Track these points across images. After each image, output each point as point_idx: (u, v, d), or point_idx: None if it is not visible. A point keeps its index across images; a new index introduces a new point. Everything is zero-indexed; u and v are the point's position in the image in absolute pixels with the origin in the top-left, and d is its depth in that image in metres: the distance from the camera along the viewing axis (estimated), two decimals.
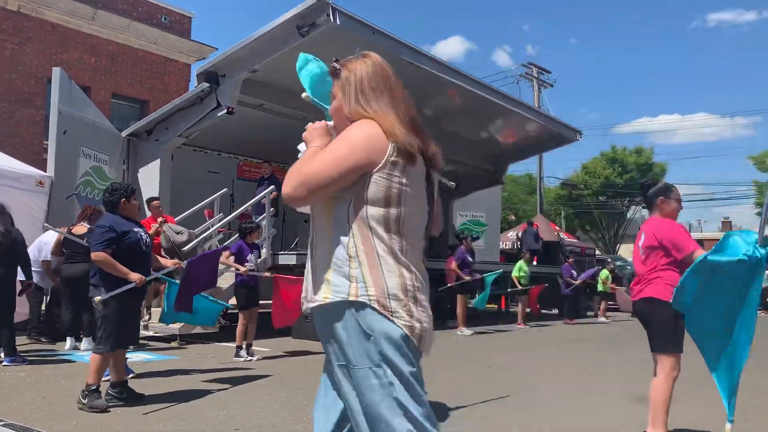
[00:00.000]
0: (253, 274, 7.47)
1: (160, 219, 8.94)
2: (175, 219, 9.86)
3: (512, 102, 13.57)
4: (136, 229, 5.01)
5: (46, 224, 7.63)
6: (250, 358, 7.24)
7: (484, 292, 11.49)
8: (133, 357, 6.39)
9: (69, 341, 7.72)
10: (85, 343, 7.61)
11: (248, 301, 7.46)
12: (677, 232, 3.82)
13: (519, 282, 13.15)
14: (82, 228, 7.43)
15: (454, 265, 11.30)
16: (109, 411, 4.56)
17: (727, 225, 49.53)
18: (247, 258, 7.44)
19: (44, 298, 8.34)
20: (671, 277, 3.77)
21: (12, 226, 6.58)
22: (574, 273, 14.58)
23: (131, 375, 5.89)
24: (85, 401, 4.59)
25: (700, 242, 3.98)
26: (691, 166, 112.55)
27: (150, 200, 9.44)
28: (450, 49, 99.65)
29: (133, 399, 4.90)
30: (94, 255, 4.77)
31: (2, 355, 6.46)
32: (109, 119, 12.10)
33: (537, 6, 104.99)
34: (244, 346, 7.32)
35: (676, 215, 4.03)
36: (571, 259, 15.32)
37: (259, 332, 9.71)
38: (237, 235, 8.19)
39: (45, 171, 9.44)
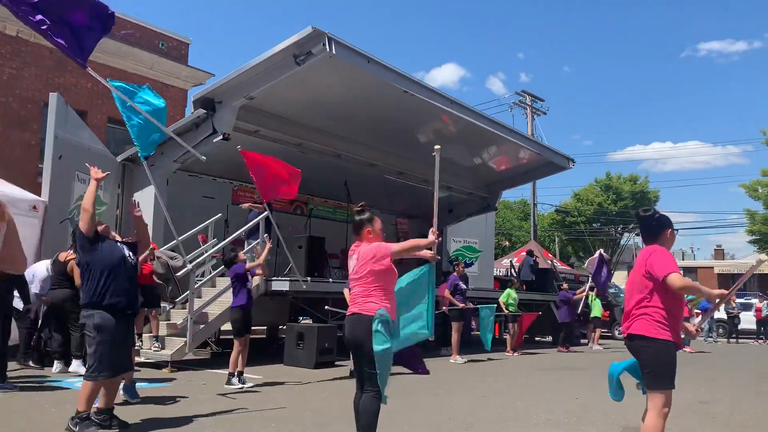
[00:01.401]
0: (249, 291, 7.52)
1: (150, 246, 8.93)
2: (169, 244, 9.86)
3: (505, 130, 13.72)
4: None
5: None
6: (241, 385, 7.20)
7: (487, 331, 11.29)
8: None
9: (57, 365, 7.74)
10: (74, 365, 7.61)
11: (244, 326, 7.43)
12: (660, 255, 3.72)
13: (507, 308, 13.03)
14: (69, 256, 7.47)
15: (446, 292, 11.28)
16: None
17: (719, 252, 49.70)
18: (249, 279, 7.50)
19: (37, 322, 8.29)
20: (658, 308, 3.72)
21: None
22: (572, 297, 14.64)
23: (137, 400, 5.90)
24: (76, 429, 4.55)
25: (693, 269, 3.98)
26: (684, 194, 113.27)
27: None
28: (444, 75, 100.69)
29: (119, 427, 4.86)
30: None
31: None
32: (105, 143, 12.15)
33: (531, 34, 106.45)
34: (236, 374, 7.28)
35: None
36: (565, 285, 15.35)
37: (251, 359, 9.67)
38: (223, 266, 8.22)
39: (39, 195, 9.46)
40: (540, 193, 43.57)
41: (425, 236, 4.49)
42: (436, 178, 4.59)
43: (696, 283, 3.84)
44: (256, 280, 8.53)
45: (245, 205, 11.39)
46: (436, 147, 4.52)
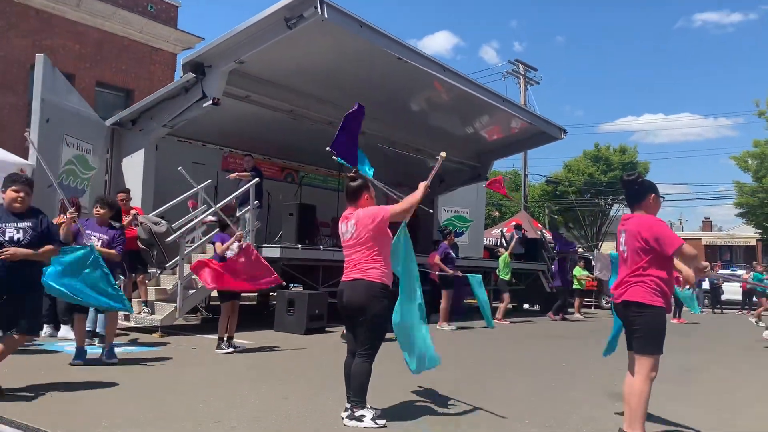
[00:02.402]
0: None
1: (132, 212, 8.87)
2: (159, 209, 9.81)
3: (498, 98, 13.62)
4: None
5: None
6: (231, 350, 7.24)
7: (487, 309, 10.95)
8: (115, 349, 6.35)
9: (46, 329, 7.82)
10: (63, 330, 7.69)
11: (230, 293, 7.45)
12: (665, 228, 3.81)
13: (501, 277, 13.22)
14: (60, 219, 7.38)
15: (437, 259, 11.34)
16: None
17: (707, 224, 50.16)
18: (230, 248, 7.45)
19: None
20: (655, 278, 3.79)
21: None
22: (567, 266, 14.78)
23: (114, 361, 5.93)
24: None
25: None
26: (673, 165, 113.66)
27: (117, 193, 9.21)
28: (437, 44, 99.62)
29: None
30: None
31: None
32: (94, 108, 11.96)
33: (524, 2, 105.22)
34: (225, 338, 7.31)
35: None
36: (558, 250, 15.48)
37: (242, 325, 9.71)
38: (217, 228, 8.15)
39: (27, 159, 9.34)
40: (531, 164, 43.62)
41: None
42: (432, 175, 4.66)
43: (697, 254, 3.94)
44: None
45: (232, 176, 11.31)
46: (442, 154, 4.60)
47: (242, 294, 8.36)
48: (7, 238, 4.72)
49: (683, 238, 3.84)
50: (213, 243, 7.68)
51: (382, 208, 4.34)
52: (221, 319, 7.38)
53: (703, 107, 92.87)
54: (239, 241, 7.46)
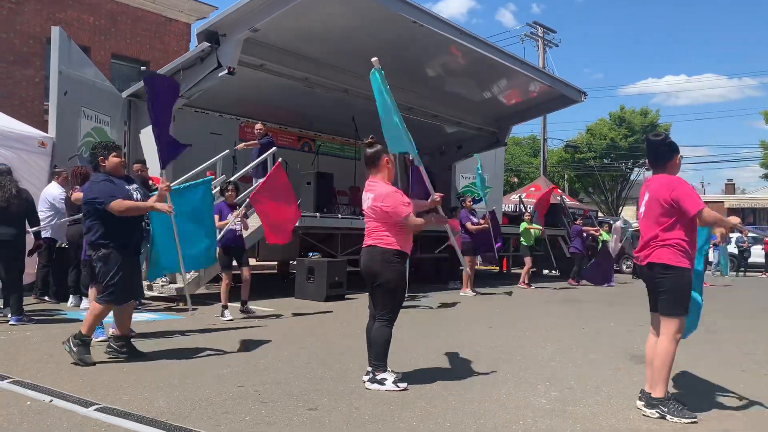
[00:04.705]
0: (234, 231, 7.58)
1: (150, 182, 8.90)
2: (177, 180, 9.85)
3: (516, 62, 13.39)
4: (127, 186, 5.02)
5: None
6: (231, 317, 7.28)
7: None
8: (138, 317, 6.46)
9: (72, 299, 7.94)
10: (84, 302, 7.73)
11: (227, 261, 7.55)
12: (687, 190, 3.74)
13: (523, 243, 13.25)
14: (80, 194, 7.45)
15: (469, 225, 11.38)
16: (95, 365, 4.70)
17: (730, 187, 49.38)
18: (227, 217, 7.54)
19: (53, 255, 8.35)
20: (680, 239, 3.75)
21: (22, 188, 6.64)
22: (584, 234, 14.66)
23: (132, 334, 5.98)
24: (75, 350, 4.70)
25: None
26: (695, 127, 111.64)
27: (134, 164, 9.25)
28: (452, 8, 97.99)
29: (133, 356, 5.00)
30: (113, 206, 4.72)
31: (9, 314, 6.55)
32: (110, 80, 11.99)
33: None
34: (228, 306, 7.41)
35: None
36: (579, 221, 15.32)
37: (263, 293, 9.83)
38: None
39: (46, 132, 9.41)
40: (549, 129, 43.07)
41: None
42: (427, 181, 4.73)
43: (721, 215, 3.87)
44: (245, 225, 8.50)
45: (240, 146, 11.25)
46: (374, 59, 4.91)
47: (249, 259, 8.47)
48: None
49: (706, 201, 3.78)
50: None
51: (398, 209, 4.26)
52: (223, 287, 7.47)
53: (727, 67, 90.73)
54: (238, 217, 7.58)
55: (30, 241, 6.95)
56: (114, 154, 5.04)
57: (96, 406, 3.62)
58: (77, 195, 7.21)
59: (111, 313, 5.73)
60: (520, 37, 28.31)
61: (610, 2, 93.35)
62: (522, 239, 13.31)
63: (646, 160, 4.09)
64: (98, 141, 10.17)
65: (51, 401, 3.75)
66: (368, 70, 4.85)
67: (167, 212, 5.08)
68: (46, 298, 8.27)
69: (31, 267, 7.82)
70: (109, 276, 4.80)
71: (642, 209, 3.97)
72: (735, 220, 3.93)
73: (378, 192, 4.32)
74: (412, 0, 10.13)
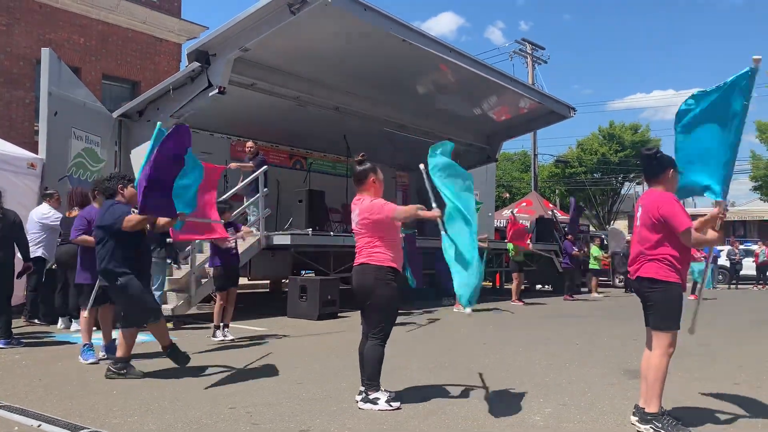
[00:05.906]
0: (231, 249, 7.53)
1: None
2: None
3: (506, 78, 13.50)
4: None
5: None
6: (223, 338, 7.24)
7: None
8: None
9: (61, 321, 7.86)
10: (74, 324, 7.63)
11: (226, 281, 7.46)
12: (675, 208, 3.75)
13: (513, 259, 13.24)
14: (75, 213, 7.39)
15: None
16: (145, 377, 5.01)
17: None
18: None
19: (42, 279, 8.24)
20: (667, 254, 3.75)
21: (8, 209, 6.58)
22: (575, 249, 14.66)
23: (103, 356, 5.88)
24: (121, 373, 4.98)
25: (694, 217, 3.92)
26: None
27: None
28: (441, 25, 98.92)
29: (136, 375, 5.10)
30: (126, 223, 4.93)
31: None
32: (100, 100, 11.97)
33: None
34: (221, 327, 7.34)
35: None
36: (570, 237, 15.35)
37: (254, 312, 9.77)
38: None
39: (36, 153, 9.36)
40: (540, 144, 43.42)
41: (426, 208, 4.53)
42: (429, 188, 4.72)
43: (706, 236, 3.83)
44: (243, 242, 8.46)
45: (233, 165, 11.20)
46: (421, 166, 4.73)
47: (240, 281, 8.37)
48: None
49: (696, 214, 3.78)
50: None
51: (384, 207, 4.30)
52: (216, 308, 7.41)
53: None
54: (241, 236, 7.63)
55: (18, 262, 6.87)
56: (132, 185, 5.30)
57: (85, 431, 3.57)
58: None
59: (101, 335, 5.73)
60: (509, 54, 28.58)
61: (596, 19, 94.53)
62: (511, 255, 13.29)
63: (643, 174, 4.11)
64: (92, 162, 10.26)
65: (39, 426, 3.70)
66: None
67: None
68: (36, 320, 8.18)
69: (20, 289, 7.73)
70: (139, 302, 5.04)
71: (637, 222, 3.99)
72: (713, 234, 3.84)
73: (363, 206, 4.35)
74: (402, 19, 10.21)
